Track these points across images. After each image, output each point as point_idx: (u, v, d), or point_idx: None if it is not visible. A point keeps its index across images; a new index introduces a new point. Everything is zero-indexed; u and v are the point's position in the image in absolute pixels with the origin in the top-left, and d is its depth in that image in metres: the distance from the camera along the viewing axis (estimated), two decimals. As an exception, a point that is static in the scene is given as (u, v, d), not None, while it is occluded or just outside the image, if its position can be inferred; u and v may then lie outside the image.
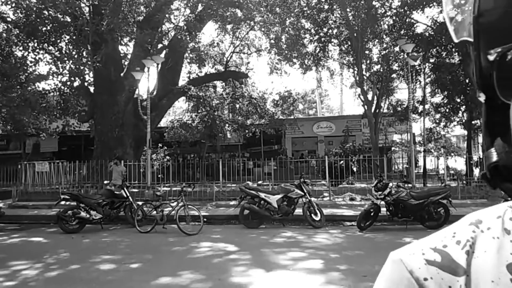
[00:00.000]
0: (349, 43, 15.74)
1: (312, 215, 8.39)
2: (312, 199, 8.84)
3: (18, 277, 5.20)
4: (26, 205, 12.21)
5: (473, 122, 16.43)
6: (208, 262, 5.74)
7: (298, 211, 8.72)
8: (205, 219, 8.53)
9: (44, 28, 14.69)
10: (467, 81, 14.64)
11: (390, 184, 7.98)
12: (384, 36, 16.24)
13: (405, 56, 10.81)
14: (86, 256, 6.29)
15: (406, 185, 8.76)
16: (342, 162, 13.36)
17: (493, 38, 0.35)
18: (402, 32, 15.18)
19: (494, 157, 0.36)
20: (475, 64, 0.36)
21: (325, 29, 16.67)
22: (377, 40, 16.15)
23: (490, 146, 0.37)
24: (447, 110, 17.07)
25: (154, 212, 8.68)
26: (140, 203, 9.35)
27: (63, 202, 9.27)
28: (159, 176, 14.96)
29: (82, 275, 5.23)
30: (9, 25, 15.30)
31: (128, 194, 9.21)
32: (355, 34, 13.94)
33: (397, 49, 15.62)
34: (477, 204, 10.37)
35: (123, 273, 5.31)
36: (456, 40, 0.40)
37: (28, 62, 15.09)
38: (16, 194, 13.22)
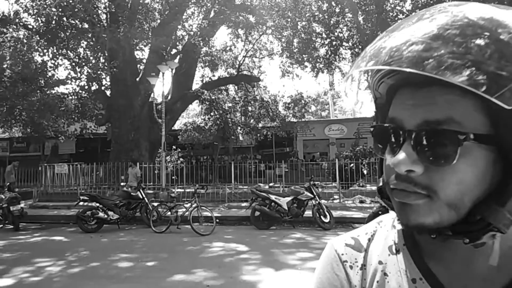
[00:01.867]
0: (360, 47, 15.86)
1: (322, 217, 8.58)
2: (322, 201, 9.04)
3: (43, 273, 5.57)
4: (46, 205, 12.71)
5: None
6: (220, 261, 6.02)
7: (308, 213, 8.93)
8: (217, 220, 8.80)
9: (63, 35, 15.24)
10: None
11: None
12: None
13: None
14: (105, 254, 6.64)
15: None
16: (352, 164, 13.50)
17: (380, 117, 0.60)
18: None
19: (380, 183, 0.61)
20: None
21: (336, 33, 16.83)
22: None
23: (380, 175, 0.62)
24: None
25: (169, 213, 9.00)
26: (155, 204, 9.69)
27: (81, 203, 9.73)
28: (173, 178, 15.34)
29: (102, 272, 5.57)
30: (30, 32, 15.92)
31: (144, 196, 9.57)
32: (365, 38, 14.07)
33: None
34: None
35: (140, 271, 5.62)
36: (361, 115, 0.65)
37: (47, 67, 15.66)
38: (37, 194, 13.76)
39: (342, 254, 0.64)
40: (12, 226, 9.36)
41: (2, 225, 9.56)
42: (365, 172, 13.84)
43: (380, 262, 0.60)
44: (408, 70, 0.44)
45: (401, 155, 0.49)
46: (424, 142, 0.48)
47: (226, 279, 5.05)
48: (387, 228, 0.64)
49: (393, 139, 0.52)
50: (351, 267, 0.62)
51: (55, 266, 5.92)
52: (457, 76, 0.42)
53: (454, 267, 0.54)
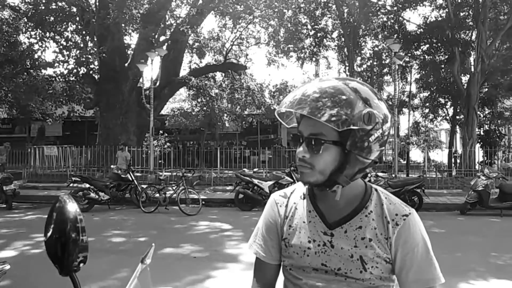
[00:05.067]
0: (343, 39, 16.44)
1: (300, 200, 9.27)
2: (301, 185, 9.71)
3: (42, 247, 5.99)
4: (36, 186, 13.06)
5: (457, 117, 17.31)
6: (205, 237, 6.65)
7: (288, 196, 9.59)
8: (203, 202, 9.41)
9: (51, 18, 15.28)
10: (451, 80, 15.45)
11: (369, 174, 8.87)
12: (377, 33, 16.94)
13: (393, 54, 11.57)
14: (98, 231, 7.16)
15: (389, 174, 9.63)
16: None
17: (298, 128, 1.17)
18: (393, 29, 15.88)
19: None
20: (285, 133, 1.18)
21: (321, 24, 17.34)
22: (369, 38, 16.84)
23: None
24: (433, 106, 17.94)
25: (157, 194, 9.56)
26: (144, 186, 10.21)
27: (72, 184, 10.16)
28: (160, 161, 15.80)
29: (98, 246, 6.11)
30: (17, 14, 15.88)
31: (134, 178, 10.07)
32: (348, 32, 14.65)
33: (388, 45, 16.38)
34: (452, 194, 11.28)
35: (133, 245, 6.20)
36: (288, 127, 1.23)
37: (34, 49, 15.69)
38: (26, 175, 14.07)
39: (276, 200, 1.23)
40: (5, 205, 9.75)
41: (-5, 204, 9.95)
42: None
43: (294, 203, 1.20)
44: (300, 112, 1.02)
45: (300, 148, 1.08)
46: (310, 143, 1.06)
47: (211, 252, 5.68)
48: (301, 186, 1.24)
49: (300, 141, 1.10)
50: (280, 206, 1.22)
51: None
52: (322, 116, 1.00)
53: (327, 203, 1.14)
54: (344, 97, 1.02)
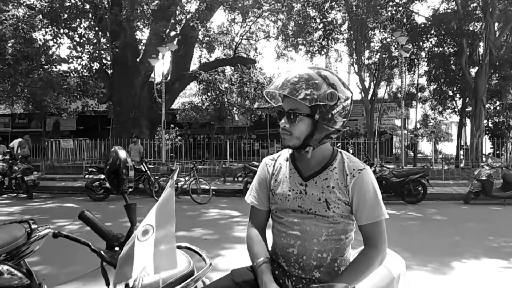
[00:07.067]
0: (351, 32, 16.55)
1: (306, 189, 9.57)
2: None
3: (65, 230, 6.43)
4: (53, 177, 13.61)
5: (466, 109, 17.31)
6: (215, 223, 7.01)
7: (295, 186, 9.88)
8: (213, 192, 9.77)
9: (66, 15, 15.72)
10: (459, 72, 15.46)
11: (375, 164, 9.10)
12: (386, 25, 17.00)
13: (400, 47, 11.70)
14: (115, 217, 7.56)
15: (396, 165, 9.83)
16: (339, 144, 14.46)
17: (282, 105, 1.48)
18: (402, 21, 15.93)
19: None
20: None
21: (329, 18, 17.46)
22: (378, 30, 16.90)
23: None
24: (441, 98, 17.98)
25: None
26: (157, 177, 10.61)
27: (88, 176, 10.64)
28: (171, 154, 16.22)
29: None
30: (33, 11, 16.37)
31: (147, 169, 10.48)
32: (356, 25, 14.75)
33: (397, 37, 16.42)
34: (458, 185, 11.43)
35: (147, 229, 6.57)
36: (275, 105, 1.54)
37: (49, 45, 16.18)
38: (44, 168, 14.64)
39: (266, 162, 1.56)
40: (26, 195, 10.25)
41: (16, 194, 10.48)
42: (350, 151, 14.79)
43: (280, 164, 1.52)
44: (282, 92, 1.33)
45: (283, 120, 1.39)
46: (289, 116, 1.37)
47: (221, 235, 6.03)
48: (285, 152, 1.55)
49: (282, 115, 1.41)
50: (269, 166, 1.54)
51: (73, 225, 6.86)
52: (298, 95, 1.31)
53: (303, 163, 1.45)
54: (315, 81, 1.34)
